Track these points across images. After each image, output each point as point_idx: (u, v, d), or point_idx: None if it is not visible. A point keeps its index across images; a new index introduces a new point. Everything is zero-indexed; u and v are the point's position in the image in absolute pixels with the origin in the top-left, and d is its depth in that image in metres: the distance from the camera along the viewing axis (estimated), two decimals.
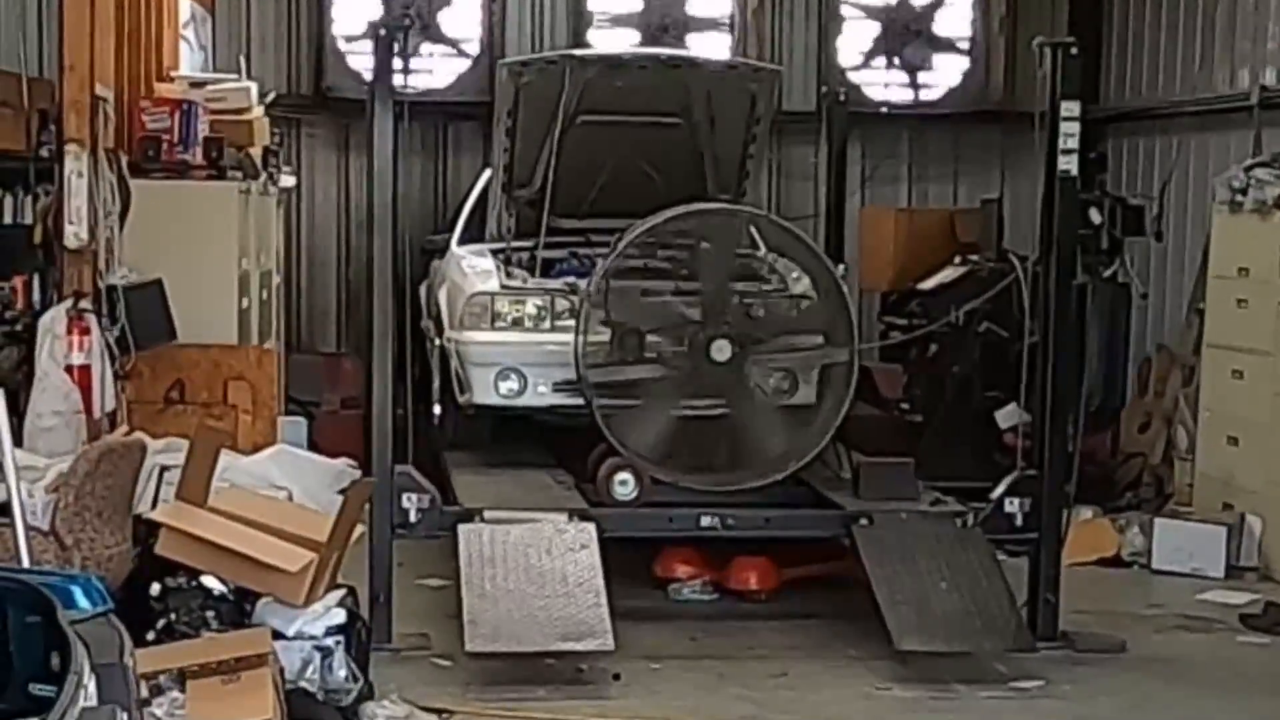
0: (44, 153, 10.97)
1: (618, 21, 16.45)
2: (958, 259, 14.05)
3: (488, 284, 11.06)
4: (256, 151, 12.55)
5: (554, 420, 11.14)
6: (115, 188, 10.51)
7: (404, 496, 9.47)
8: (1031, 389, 9.86)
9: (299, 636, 8.01)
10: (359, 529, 8.75)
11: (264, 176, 12.63)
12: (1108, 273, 10.72)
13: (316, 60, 16.18)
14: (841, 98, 13.80)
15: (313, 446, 12.03)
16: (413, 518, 9.51)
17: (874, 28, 16.82)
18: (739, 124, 11.89)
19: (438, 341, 11.59)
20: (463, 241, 12.30)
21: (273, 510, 8.67)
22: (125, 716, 4.64)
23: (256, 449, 10.49)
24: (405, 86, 9.83)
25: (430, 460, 10.66)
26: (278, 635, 7.91)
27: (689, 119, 11.76)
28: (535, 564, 9.35)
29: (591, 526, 9.64)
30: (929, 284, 13.97)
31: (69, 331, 10.02)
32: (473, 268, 11.44)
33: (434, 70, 16.35)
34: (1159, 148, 15.12)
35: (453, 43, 16.40)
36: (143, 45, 12.14)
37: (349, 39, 16.20)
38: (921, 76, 16.94)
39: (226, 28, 15.57)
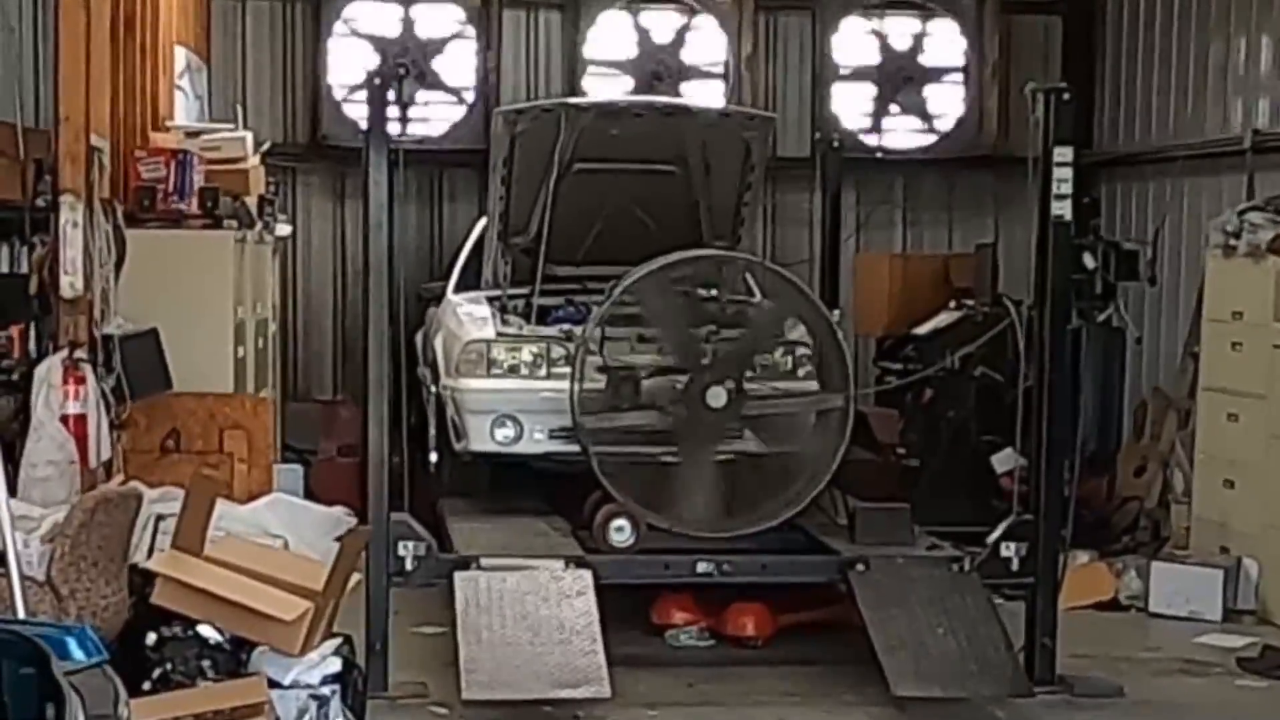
0: (40, 203, 10.99)
1: (613, 69, 16.50)
2: (952, 304, 14.09)
3: (483, 331, 11.08)
4: (252, 200, 12.57)
5: (550, 467, 11.14)
6: (111, 237, 10.52)
7: (400, 544, 9.46)
8: (1027, 433, 9.87)
9: (295, 685, 8.01)
10: (355, 577, 8.74)
11: (259, 225, 12.65)
12: (1102, 317, 10.71)
13: (312, 109, 16.24)
14: (835, 144, 13.85)
15: (309, 494, 12.03)
16: (409, 565, 9.50)
17: (868, 74, 16.86)
18: (734, 171, 11.92)
19: (434, 389, 11.59)
20: (459, 289, 12.34)
21: (268, 559, 8.66)
22: None
23: (252, 497, 10.48)
24: (401, 134, 9.86)
25: (426, 508, 10.66)
26: (274, 684, 7.91)
27: (684, 166, 11.79)
28: (531, 611, 9.35)
29: (588, 573, 9.63)
30: (924, 329, 14.00)
31: (64, 381, 10.01)
32: (469, 315, 11.46)
33: (429, 118, 16.38)
34: (1152, 192, 15.17)
35: (450, 90, 16.46)
36: (138, 95, 12.17)
37: (347, 89, 16.25)
38: (915, 122, 17.00)
39: (222, 77, 15.63)
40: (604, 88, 16.29)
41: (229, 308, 11.71)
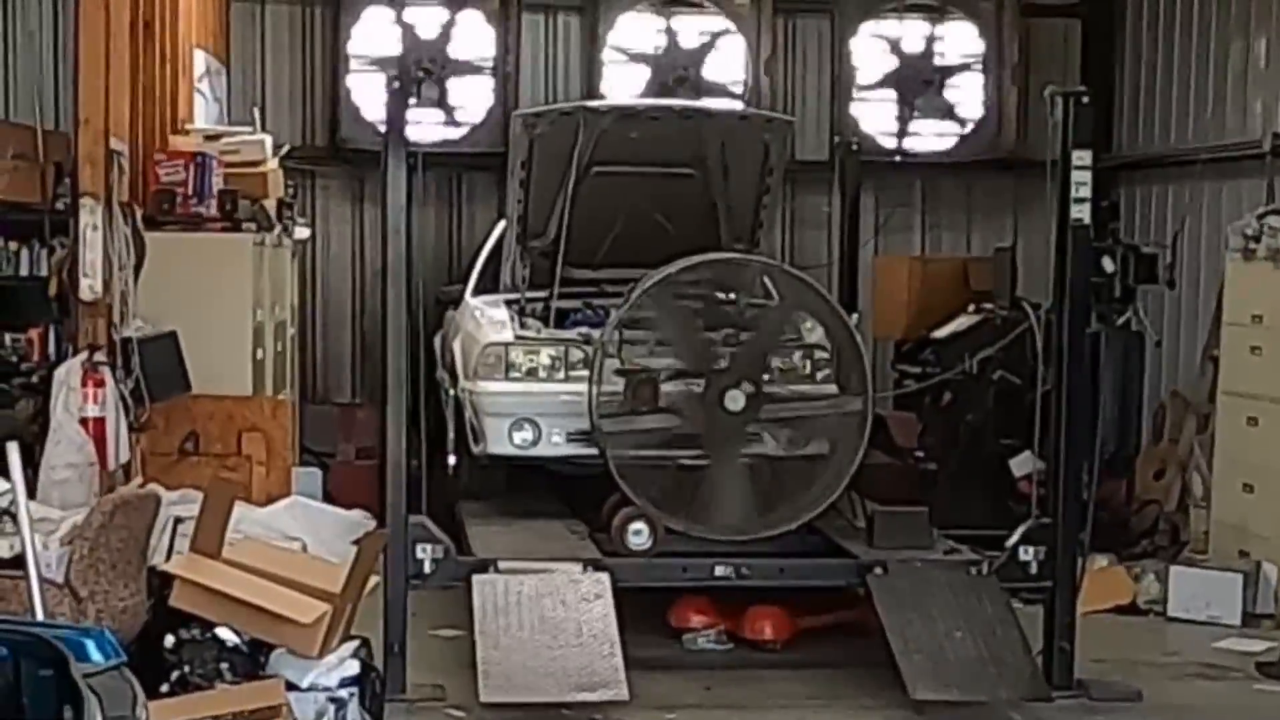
0: (59, 205, 11.05)
1: (631, 73, 16.50)
2: (971, 307, 14.07)
3: (502, 334, 11.09)
4: (271, 203, 12.59)
5: (568, 470, 11.15)
6: (130, 240, 10.56)
7: (418, 547, 9.45)
8: (1046, 437, 9.85)
9: (313, 688, 8.03)
10: (373, 580, 8.76)
11: (278, 228, 12.67)
12: (1121, 320, 10.70)
13: (331, 112, 16.24)
14: (854, 147, 13.85)
15: (327, 497, 12.06)
16: (427, 568, 9.49)
17: (887, 77, 16.85)
18: (752, 174, 11.92)
19: (452, 392, 11.61)
20: (477, 292, 12.34)
21: (287, 561, 8.68)
22: None
23: (271, 500, 10.50)
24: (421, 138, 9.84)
25: (445, 510, 10.66)
26: (292, 687, 7.93)
27: (703, 169, 11.79)
28: (549, 614, 9.35)
29: (605, 576, 9.63)
30: (943, 332, 13.98)
31: (84, 383, 10.05)
32: (487, 318, 11.47)
33: (448, 122, 16.38)
34: (1172, 195, 15.14)
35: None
36: (157, 98, 12.20)
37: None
38: (934, 125, 16.98)
39: (241, 80, 15.65)
40: (623, 91, 16.27)
41: (248, 310, 11.73)
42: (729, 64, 16.65)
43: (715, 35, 16.57)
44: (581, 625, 9.30)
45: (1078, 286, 9.71)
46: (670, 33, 16.55)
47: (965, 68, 16.91)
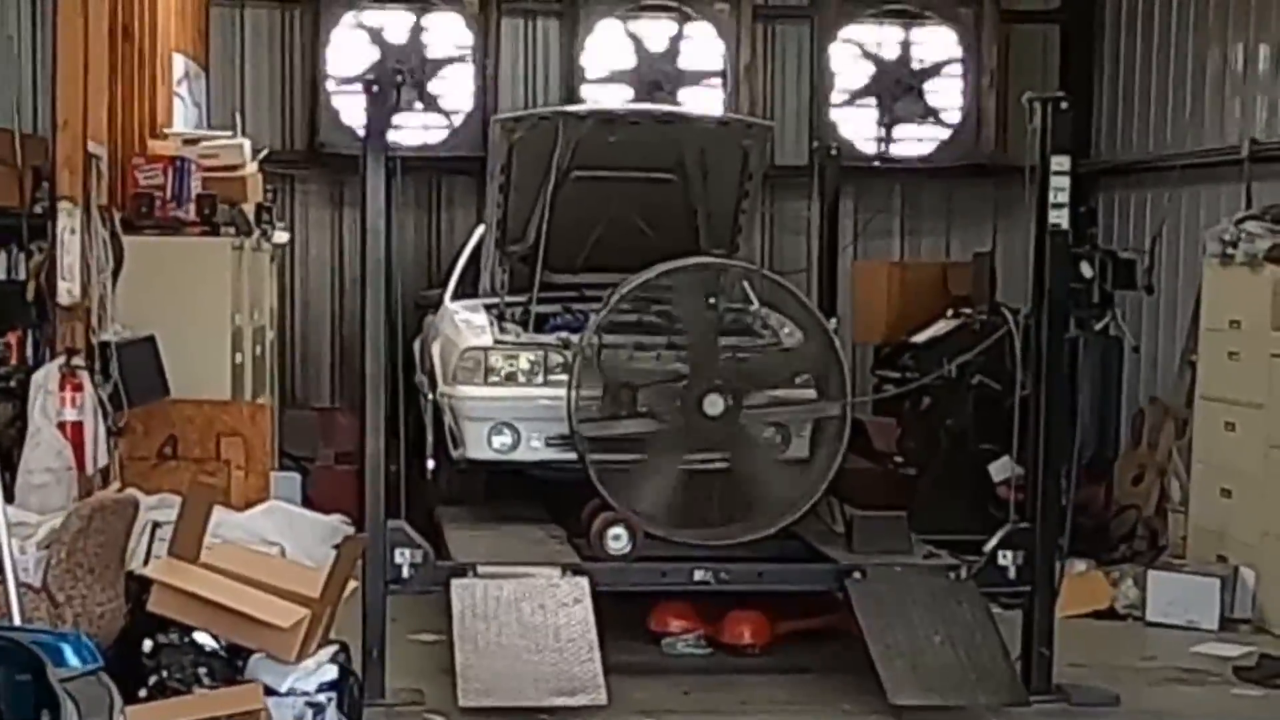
0: (37, 209, 11.01)
1: (610, 78, 16.50)
2: (950, 312, 14.08)
3: (481, 339, 11.08)
4: (250, 207, 12.58)
5: (547, 475, 11.14)
6: (108, 244, 10.55)
7: (397, 552, 9.44)
8: (1024, 442, 9.87)
9: (291, 693, 8.01)
10: (352, 584, 8.74)
11: (257, 232, 12.66)
12: (1099, 326, 10.70)
13: (310, 116, 16.22)
14: (833, 152, 13.86)
15: (306, 502, 12.04)
16: (405, 573, 9.48)
17: (866, 83, 16.86)
18: (731, 179, 11.91)
19: (431, 396, 11.58)
20: (456, 296, 12.34)
21: (265, 566, 8.66)
22: None
23: (249, 505, 10.49)
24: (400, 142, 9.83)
25: (423, 515, 10.66)
26: (270, 691, 7.92)
27: (682, 174, 11.78)
28: (528, 619, 9.35)
29: (584, 581, 9.63)
30: (922, 337, 13.99)
31: (62, 388, 10.02)
32: (466, 323, 11.47)
33: (427, 126, 16.37)
34: (1150, 201, 15.16)
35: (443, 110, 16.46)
36: (136, 102, 12.19)
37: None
38: (913, 131, 16.99)
39: (220, 84, 15.63)
40: (602, 96, 16.26)
41: (226, 315, 11.72)
42: (708, 69, 16.63)
43: (694, 41, 16.57)
44: (560, 630, 9.30)
45: (1056, 292, 9.73)
46: (649, 38, 16.50)
47: (944, 73, 16.93)
